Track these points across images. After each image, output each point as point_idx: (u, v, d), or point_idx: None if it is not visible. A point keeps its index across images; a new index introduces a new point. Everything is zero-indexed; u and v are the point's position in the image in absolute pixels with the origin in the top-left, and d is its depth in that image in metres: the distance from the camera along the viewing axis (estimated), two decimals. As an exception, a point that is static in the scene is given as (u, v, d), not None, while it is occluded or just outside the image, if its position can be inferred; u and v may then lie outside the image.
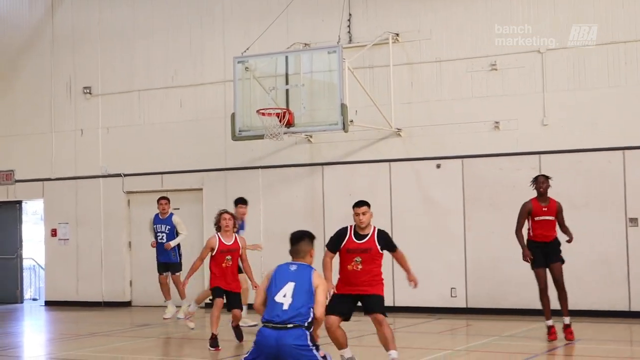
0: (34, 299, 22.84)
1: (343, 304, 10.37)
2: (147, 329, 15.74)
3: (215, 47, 19.46)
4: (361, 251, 10.55)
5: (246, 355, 8.00)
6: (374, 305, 10.40)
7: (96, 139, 20.72)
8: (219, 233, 13.20)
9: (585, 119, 16.27)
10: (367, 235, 10.58)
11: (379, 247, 10.56)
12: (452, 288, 17.15)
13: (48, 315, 19.05)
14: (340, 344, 10.41)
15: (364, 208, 10.59)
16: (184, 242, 16.64)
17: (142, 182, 20.18)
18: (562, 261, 13.19)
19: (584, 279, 16.06)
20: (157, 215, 16.50)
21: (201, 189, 19.57)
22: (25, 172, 21.43)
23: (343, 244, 10.56)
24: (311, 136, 18.24)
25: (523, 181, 16.43)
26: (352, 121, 16.70)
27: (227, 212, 13.40)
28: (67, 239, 20.80)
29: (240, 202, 15.04)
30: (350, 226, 10.67)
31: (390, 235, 10.95)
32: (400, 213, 17.63)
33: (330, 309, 9.68)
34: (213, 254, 13.10)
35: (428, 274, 17.11)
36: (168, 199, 16.70)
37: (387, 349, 10.30)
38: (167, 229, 16.37)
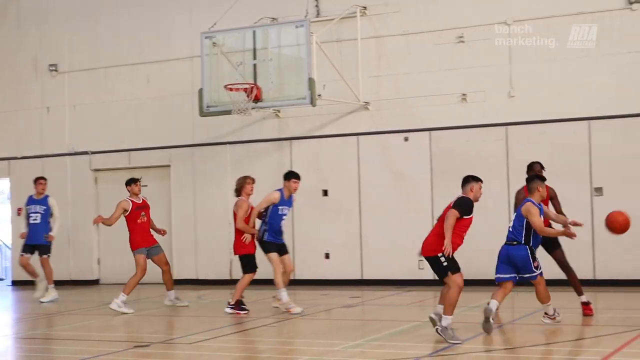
0: (1, 279, 22.69)
1: None
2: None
3: (182, 23, 19.33)
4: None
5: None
6: None
7: (63, 117, 20.57)
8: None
9: (551, 90, 16.35)
10: None
11: None
12: (419, 260, 17.19)
13: (15, 295, 18.94)
14: None
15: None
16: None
17: (110, 160, 20.07)
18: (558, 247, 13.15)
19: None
20: (31, 196, 16.71)
21: (169, 166, 19.48)
22: (-9, 151, 21.26)
23: None
24: (279, 111, 18.20)
25: (490, 152, 16.60)
26: (320, 95, 16.70)
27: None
28: (35, 218, 20.62)
29: (294, 176, 14.25)
30: None
31: None
32: (368, 186, 17.66)
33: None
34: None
35: (396, 247, 17.23)
36: (46, 179, 16.80)
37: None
38: (42, 209, 16.67)
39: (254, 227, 13.91)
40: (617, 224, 11.12)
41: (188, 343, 11.22)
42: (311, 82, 16.08)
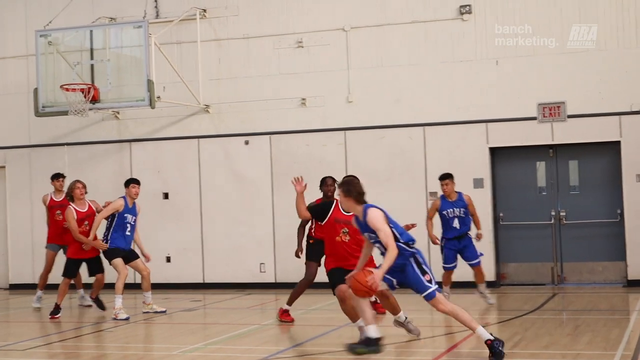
0: None
1: None
2: None
3: (16, 20, 18.79)
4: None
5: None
6: None
7: None
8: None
9: (388, 96, 16.75)
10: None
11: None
12: (261, 263, 17.33)
13: None
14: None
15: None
16: None
17: (-59, 160, 19.32)
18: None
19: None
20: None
21: (4, 167, 18.92)
22: None
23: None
24: (118, 112, 17.97)
25: (330, 157, 16.86)
26: (159, 97, 16.59)
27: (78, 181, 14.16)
28: None
29: (133, 181, 14.19)
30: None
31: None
32: (209, 189, 17.65)
33: None
34: None
35: (237, 250, 17.31)
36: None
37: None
38: None
39: (95, 237, 13.76)
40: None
41: (21, 349, 10.96)
42: (150, 83, 15.96)
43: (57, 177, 15.26)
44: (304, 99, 17.14)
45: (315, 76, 17.10)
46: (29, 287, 18.10)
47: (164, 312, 13.94)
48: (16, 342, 11.55)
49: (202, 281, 17.54)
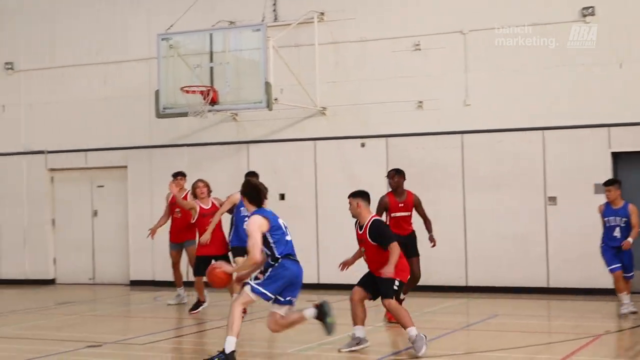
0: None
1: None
2: (70, 306, 15.62)
3: (139, 24, 19.27)
4: (360, 241, 10.61)
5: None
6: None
7: (18, 116, 20.41)
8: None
9: (506, 99, 16.52)
10: (363, 226, 10.53)
11: (369, 239, 10.43)
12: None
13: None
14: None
15: (350, 199, 10.62)
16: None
17: (66, 160, 19.96)
18: (418, 255, 13.17)
19: (504, 257, 16.38)
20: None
21: (126, 166, 19.41)
22: (-54, 149, 21.04)
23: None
24: (237, 114, 18.22)
25: (446, 160, 16.75)
26: (276, 99, 16.72)
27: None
28: (-11, 217, 20.50)
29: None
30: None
31: (383, 228, 10.63)
32: (325, 191, 17.72)
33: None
34: None
35: (352, 252, 17.20)
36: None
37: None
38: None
39: (213, 229, 13.94)
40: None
41: (141, 344, 11.22)
42: (268, 86, 16.13)
43: (176, 175, 15.50)
44: (420, 102, 17.06)
45: (432, 79, 17.00)
46: (149, 284, 18.58)
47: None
48: (136, 337, 11.83)
49: (317, 282, 17.61)
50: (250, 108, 16.83)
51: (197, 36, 17.16)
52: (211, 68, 16.86)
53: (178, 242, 15.28)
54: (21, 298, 16.92)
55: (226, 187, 17.89)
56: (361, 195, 10.58)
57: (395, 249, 10.16)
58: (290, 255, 9.76)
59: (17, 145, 20.37)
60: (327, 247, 17.61)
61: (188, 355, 10.77)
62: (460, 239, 16.76)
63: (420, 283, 16.76)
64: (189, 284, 15.52)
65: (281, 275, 9.57)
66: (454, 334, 11.75)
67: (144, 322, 13.73)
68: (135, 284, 18.98)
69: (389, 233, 10.56)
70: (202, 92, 16.37)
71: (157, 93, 17.00)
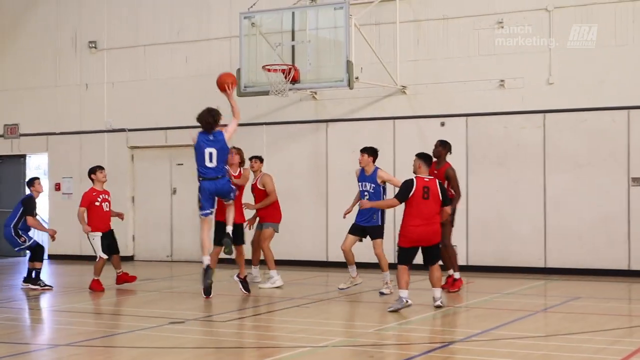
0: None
1: None
2: (150, 283, 15.83)
3: (221, 2, 19.38)
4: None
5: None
6: None
7: (101, 94, 20.72)
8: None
9: (590, 78, 16.24)
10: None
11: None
12: (453, 245, 17.14)
13: (50, 269, 19.11)
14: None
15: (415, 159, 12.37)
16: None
17: (146, 138, 20.21)
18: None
19: (586, 238, 16.15)
20: None
21: (206, 145, 19.52)
22: (30, 126, 21.46)
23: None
24: (316, 93, 18.22)
25: (527, 139, 16.53)
26: (357, 78, 16.66)
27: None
28: (71, 194, 20.85)
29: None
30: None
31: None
32: (404, 171, 17.53)
33: None
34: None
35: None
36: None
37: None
38: None
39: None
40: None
41: (223, 321, 11.32)
42: (349, 64, 16.07)
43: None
44: (502, 81, 16.84)
45: (515, 57, 16.76)
46: (227, 262, 18.67)
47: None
48: (218, 314, 11.94)
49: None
50: (331, 86, 16.81)
51: (279, 14, 17.17)
52: (292, 46, 16.88)
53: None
54: (103, 275, 17.16)
55: (305, 166, 18.01)
56: (422, 157, 12.27)
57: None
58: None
59: (99, 123, 20.69)
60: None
61: (269, 334, 10.82)
62: (540, 220, 16.55)
63: (499, 263, 16.75)
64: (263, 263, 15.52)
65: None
66: (535, 316, 11.61)
67: (224, 299, 13.82)
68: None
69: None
70: (283, 71, 16.38)
71: (238, 71, 17.06)
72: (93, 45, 20.75)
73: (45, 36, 21.37)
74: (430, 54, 17.48)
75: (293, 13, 17.00)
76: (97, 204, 14.80)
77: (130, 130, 20.34)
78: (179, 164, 19.95)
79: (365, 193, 13.63)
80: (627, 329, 10.60)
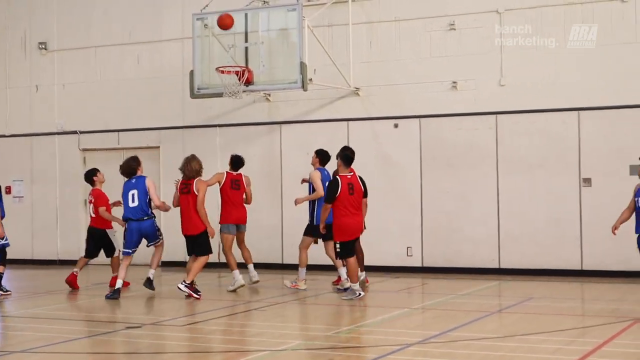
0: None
1: None
2: (103, 287, 15.69)
3: (173, 3, 19.28)
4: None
5: None
6: None
7: (52, 95, 20.51)
8: None
9: (541, 79, 16.42)
10: None
11: None
12: (407, 247, 17.29)
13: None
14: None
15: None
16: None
17: (99, 140, 20.04)
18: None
19: (538, 239, 16.33)
20: None
21: (158, 147, 19.45)
22: (-21, 129, 21.17)
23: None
24: (269, 94, 18.21)
25: (479, 141, 16.67)
26: (311, 80, 16.66)
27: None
28: (22, 197, 20.63)
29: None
30: None
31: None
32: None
33: None
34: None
35: (384, 233, 17.28)
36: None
37: None
38: None
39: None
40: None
41: (180, 325, 11.27)
42: (303, 66, 16.08)
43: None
44: (454, 82, 16.97)
45: (467, 59, 16.89)
46: (181, 265, 18.59)
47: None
48: (174, 318, 11.88)
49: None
50: (285, 88, 16.79)
51: (232, 16, 17.06)
52: (245, 48, 16.82)
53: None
54: (54, 278, 16.98)
55: (258, 168, 17.98)
56: (341, 157, 13.91)
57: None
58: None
59: (50, 125, 20.48)
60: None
61: (227, 337, 10.79)
62: (493, 221, 16.71)
63: (452, 265, 16.89)
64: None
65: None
66: (491, 317, 11.72)
67: (179, 303, 13.75)
68: (167, 265, 19.03)
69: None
70: (237, 73, 16.34)
71: (191, 73, 17.00)
72: (43, 46, 20.53)
73: (-6, 37, 21.11)
74: (382, 56, 17.56)
75: (246, 14, 16.93)
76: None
77: (82, 132, 20.15)
78: (131, 167, 19.76)
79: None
80: (582, 329, 10.74)
